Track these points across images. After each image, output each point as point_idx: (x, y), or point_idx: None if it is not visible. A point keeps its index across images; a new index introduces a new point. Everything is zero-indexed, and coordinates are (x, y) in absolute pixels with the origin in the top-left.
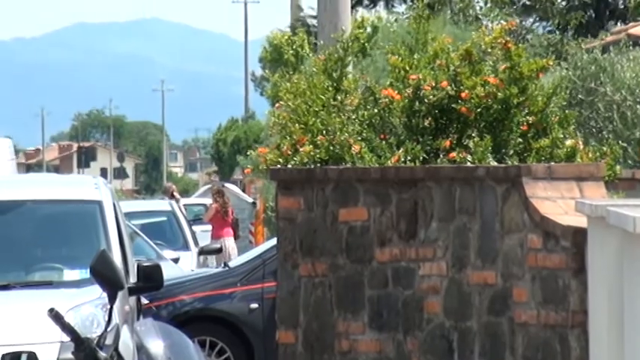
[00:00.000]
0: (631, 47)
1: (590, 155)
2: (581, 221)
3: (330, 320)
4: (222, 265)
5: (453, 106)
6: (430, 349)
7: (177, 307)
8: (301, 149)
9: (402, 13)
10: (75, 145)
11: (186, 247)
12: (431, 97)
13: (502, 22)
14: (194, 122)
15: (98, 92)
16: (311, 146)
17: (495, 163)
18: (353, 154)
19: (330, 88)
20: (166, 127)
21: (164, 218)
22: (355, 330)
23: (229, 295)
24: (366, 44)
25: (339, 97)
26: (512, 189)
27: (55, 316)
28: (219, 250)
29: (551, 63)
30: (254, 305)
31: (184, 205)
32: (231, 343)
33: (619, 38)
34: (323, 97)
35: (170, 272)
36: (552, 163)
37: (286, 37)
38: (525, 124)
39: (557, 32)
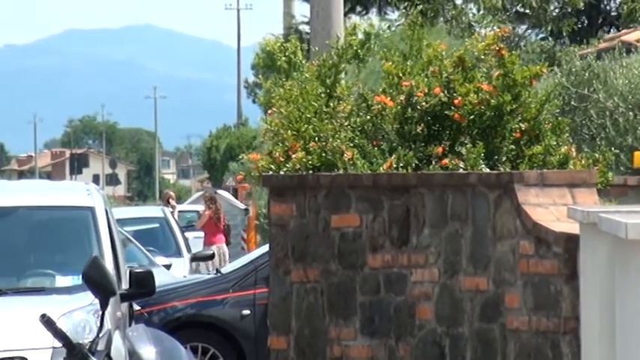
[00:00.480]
0: (624, 54)
1: (583, 162)
2: (573, 228)
3: (321, 326)
4: (215, 271)
5: (446, 112)
6: (422, 355)
7: (169, 314)
8: (293, 156)
9: (395, 20)
10: (67, 152)
11: (178, 253)
12: (424, 103)
13: (495, 28)
14: (186, 129)
15: (90, 99)
16: (303, 153)
17: (488, 170)
18: (345, 160)
19: (323, 95)
20: (159, 133)
21: (156, 225)
22: (347, 336)
23: (221, 302)
24: (359, 51)
25: (331, 104)
26: (505, 195)
27: (47, 322)
28: (211, 257)
29: (544, 70)
30: (246, 311)
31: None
32: (223, 349)
33: (612, 45)
34: (315, 103)
35: (162, 278)
36: (544, 170)
37: (279, 44)
38: (518, 130)
39: (551, 39)
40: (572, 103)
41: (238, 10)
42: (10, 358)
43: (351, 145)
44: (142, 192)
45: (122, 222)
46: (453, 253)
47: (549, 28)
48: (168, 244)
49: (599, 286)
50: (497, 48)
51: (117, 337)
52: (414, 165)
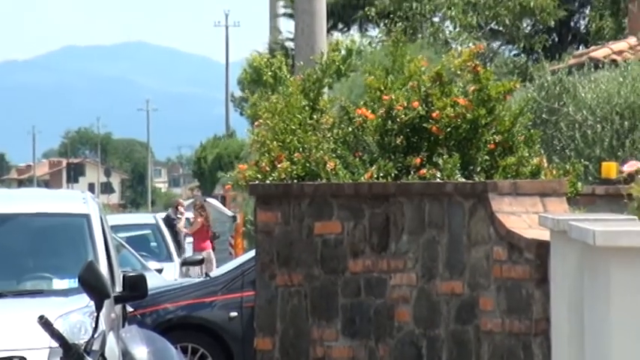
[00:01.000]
0: (592, 69)
1: (554, 172)
2: (544, 235)
3: (305, 328)
4: (204, 275)
5: (424, 125)
6: (400, 355)
7: (160, 315)
8: (279, 166)
9: (375, 37)
10: (64, 162)
11: (169, 258)
12: (403, 116)
13: (470, 45)
14: (177, 140)
15: (86, 112)
16: (288, 163)
17: (463, 180)
18: (328, 170)
19: (307, 108)
20: (151, 144)
21: (148, 231)
22: (329, 337)
23: (210, 304)
24: (341, 66)
25: (315, 117)
26: (479, 204)
27: (45, 323)
28: (201, 262)
29: (517, 86)
30: (233, 313)
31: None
32: (212, 349)
33: (581, 61)
34: (300, 116)
35: (154, 282)
36: (517, 180)
37: (265, 60)
38: (492, 142)
39: (523, 55)
40: (544, 116)
41: (227, 27)
42: (9, 357)
43: (334, 155)
44: (135, 200)
45: (116, 228)
46: (430, 258)
47: (522, 45)
48: (160, 250)
49: (568, 291)
50: (473, 64)
51: (111, 338)
52: (393, 175)
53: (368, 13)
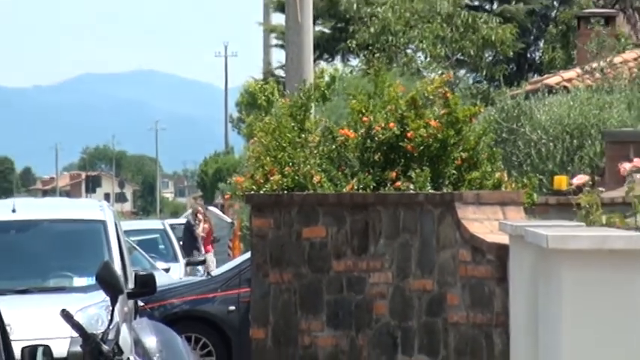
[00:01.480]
0: (546, 95)
1: (513, 185)
2: (503, 239)
3: (294, 320)
4: (206, 274)
5: (400, 143)
6: (378, 344)
7: (167, 309)
8: (271, 178)
9: (356, 66)
10: (83, 174)
11: (175, 259)
12: (380, 135)
13: (439, 72)
14: (183, 156)
15: (103, 130)
16: (279, 176)
17: (433, 191)
18: (314, 182)
19: (296, 128)
20: (160, 159)
21: (157, 235)
22: (315, 328)
23: (211, 299)
24: (326, 91)
25: (302, 136)
26: (447, 212)
27: (66, 315)
28: (203, 262)
29: (482, 110)
30: (232, 307)
31: (172, 224)
32: (212, 338)
33: (536, 87)
34: (289, 135)
35: (162, 280)
36: (480, 191)
37: (259, 85)
38: (459, 159)
39: (485, 82)
40: (504, 135)
41: (226, 57)
42: (35, 345)
43: (320, 169)
44: (145, 208)
45: (128, 233)
46: (404, 259)
47: (484, 73)
48: (167, 252)
49: (524, 288)
50: (444, 91)
51: (124, 329)
52: (372, 187)
53: (349, 45)
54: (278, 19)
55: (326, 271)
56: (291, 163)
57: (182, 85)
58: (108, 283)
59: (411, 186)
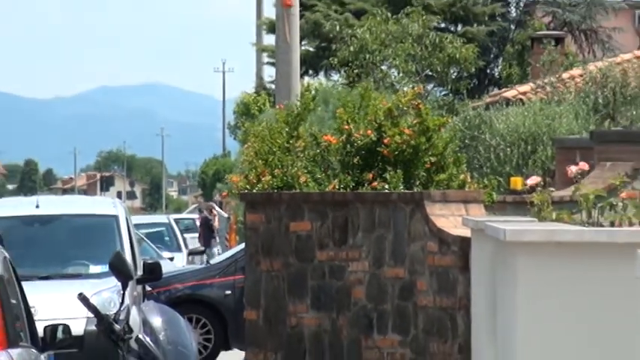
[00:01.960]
0: (504, 106)
1: (475, 185)
2: (466, 232)
3: (283, 303)
4: (206, 262)
5: (377, 149)
6: (356, 324)
7: (172, 293)
8: (263, 179)
9: (337, 80)
10: (98, 175)
11: (178, 249)
12: (359, 142)
13: (411, 86)
14: (185, 158)
15: (116, 137)
16: (270, 177)
17: (405, 191)
18: (301, 182)
19: (285, 134)
20: (165, 162)
21: (163, 228)
22: (301, 310)
23: (210, 285)
24: (311, 103)
25: (291, 141)
26: (417, 209)
27: (83, 298)
28: (203, 252)
29: (450, 120)
30: (228, 292)
31: (176, 219)
32: (211, 319)
33: (496, 99)
34: (279, 141)
35: (167, 267)
36: (446, 190)
37: (252, 97)
38: (429, 163)
39: (451, 95)
40: (467, 141)
41: (224, 73)
42: (56, 324)
43: (305, 171)
44: (152, 204)
45: (138, 226)
46: (379, 250)
47: (450, 87)
48: (172, 243)
49: (485, 276)
50: (416, 103)
51: (134, 310)
52: (351, 186)
53: (332, 62)
54: (269, 39)
55: (310, 261)
56: (280, 166)
57: (185, 96)
58: (119, 270)
59: (386, 186)
